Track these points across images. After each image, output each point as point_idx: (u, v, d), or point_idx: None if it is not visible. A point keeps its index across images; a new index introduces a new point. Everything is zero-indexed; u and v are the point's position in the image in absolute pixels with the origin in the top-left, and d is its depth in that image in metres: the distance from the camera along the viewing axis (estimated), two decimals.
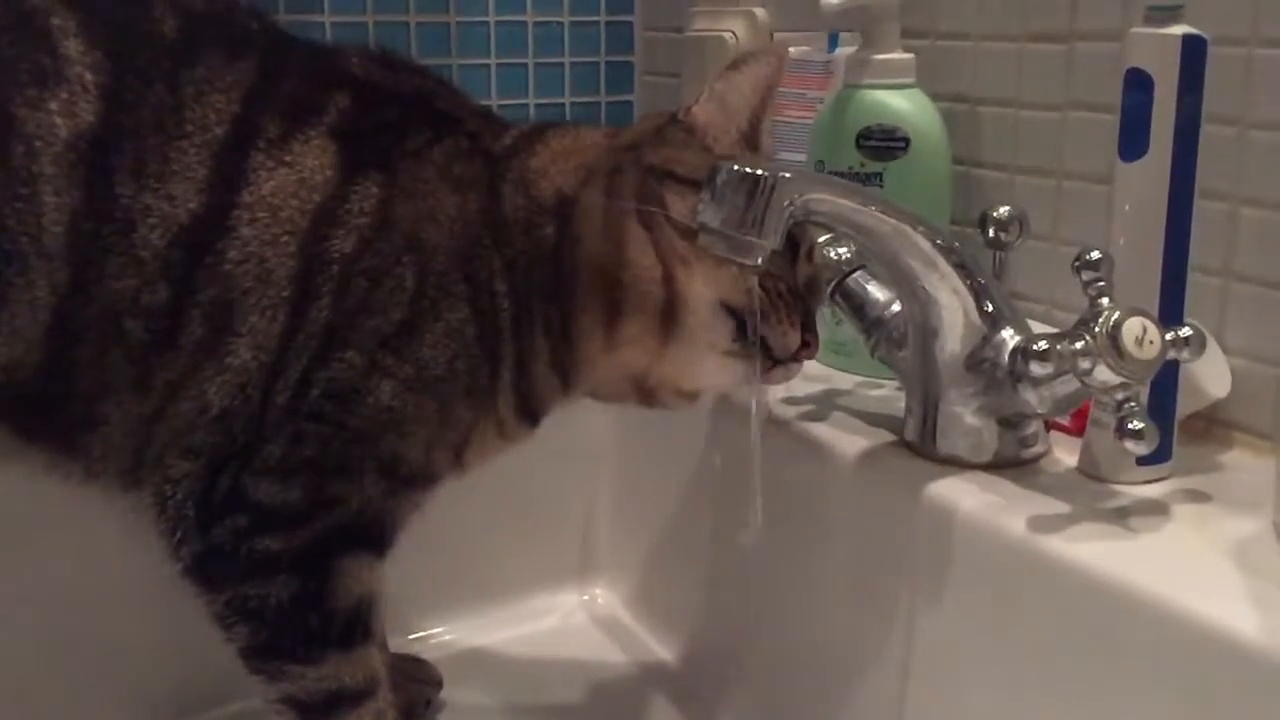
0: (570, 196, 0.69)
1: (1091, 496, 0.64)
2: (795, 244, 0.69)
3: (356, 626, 0.67)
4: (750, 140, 0.71)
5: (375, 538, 0.68)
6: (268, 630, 0.65)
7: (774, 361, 0.68)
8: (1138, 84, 0.61)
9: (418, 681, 0.83)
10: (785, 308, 0.67)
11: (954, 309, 0.66)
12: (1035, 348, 0.61)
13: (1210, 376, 0.68)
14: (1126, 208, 0.63)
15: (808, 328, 0.69)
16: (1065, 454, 0.69)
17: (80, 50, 0.62)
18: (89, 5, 0.63)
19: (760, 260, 0.60)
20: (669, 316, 0.67)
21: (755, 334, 0.65)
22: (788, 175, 0.59)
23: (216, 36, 0.66)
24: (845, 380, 0.83)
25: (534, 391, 0.70)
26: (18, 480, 0.66)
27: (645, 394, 0.71)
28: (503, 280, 0.67)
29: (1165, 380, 0.63)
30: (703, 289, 0.66)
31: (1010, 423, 0.67)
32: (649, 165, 0.68)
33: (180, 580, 0.66)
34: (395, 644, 0.82)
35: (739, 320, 0.66)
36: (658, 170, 0.68)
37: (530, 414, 0.71)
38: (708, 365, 0.68)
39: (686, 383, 0.70)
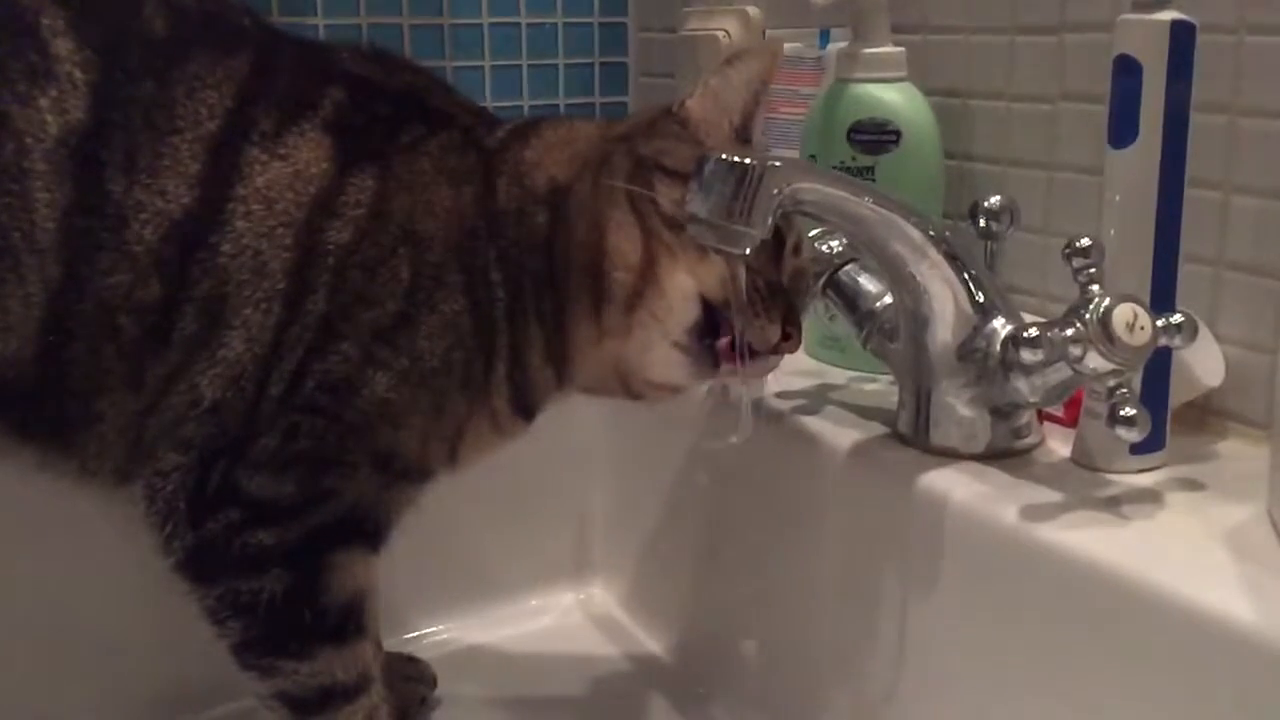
0: (563, 185, 0.69)
1: (1085, 485, 0.63)
2: (781, 239, 0.69)
3: (349, 621, 0.67)
4: (742, 135, 0.71)
5: (369, 532, 0.68)
6: (260, 625, 0.65)
7: (754, 353, 0.67)
8: (1126, 70, 0.61)
9: (412, 680, 0.83)
10: (763, 301, 0.67)
11: (945, 298, 0.66)
12: (1026, 335, 0.61)
13: (1204, 365, 0.68)
14: (1117, 195, 0.63)
15: (790, 320, 0.68)
16: (1059, 444, 0.69)
17: (70, 49, 0.62)
18: (79, 4, 0.63)
19: (749, 249, 0.60)
20: (640, 304, 0.66)
21: (740, 321, 0.65)
22: (776, 164, 0.59)
23: (208, 33, 0.66)
24: (839, 375, 0.83)
25: (528, 384, 0.70)
26: (9, 479, 0.66)
27: (625, 386, 0.71)
28: (497, 270, 0.67)
29: (1158, 368, 0.63)
30: (684, 279, 0.66)
31: (1003, 413, 0.67)
32: (640, 156, 0.68)
33: (171, 575, 0.65)
34: (390, 643, 0.81)
35: (708, 318, 0.66)
36: (648, 161, 0.68)
37: (525, 408, 0.71)
38: (669, 357, 0.67)
39: (651, 373, 0.69)
